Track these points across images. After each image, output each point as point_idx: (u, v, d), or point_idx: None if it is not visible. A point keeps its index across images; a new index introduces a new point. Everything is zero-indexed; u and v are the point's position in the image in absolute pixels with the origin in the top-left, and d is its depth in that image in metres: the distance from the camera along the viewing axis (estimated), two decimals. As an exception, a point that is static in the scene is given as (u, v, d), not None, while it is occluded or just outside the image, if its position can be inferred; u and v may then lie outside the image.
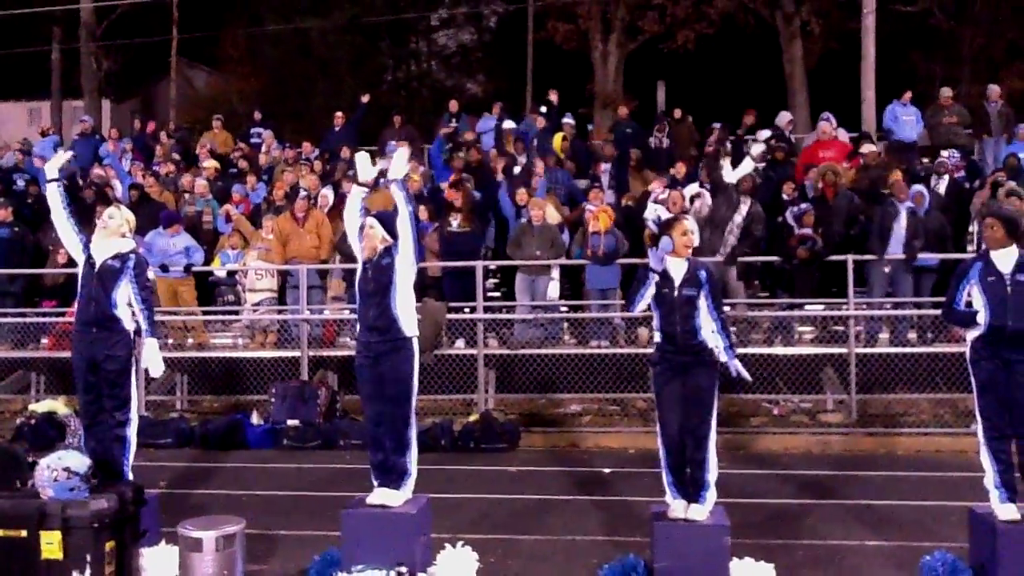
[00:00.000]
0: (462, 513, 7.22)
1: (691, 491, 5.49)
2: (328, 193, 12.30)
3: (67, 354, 10.86)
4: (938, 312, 6.82)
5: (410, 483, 5.84)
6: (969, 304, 5.63)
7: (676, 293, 5.57)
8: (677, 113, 15.72)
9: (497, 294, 11.74)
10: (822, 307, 10.69)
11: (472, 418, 10.12)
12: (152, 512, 5.99)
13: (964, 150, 14.33)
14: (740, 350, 10.30)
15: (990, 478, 5.47)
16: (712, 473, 5.51)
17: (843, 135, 14.90)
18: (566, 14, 26.37)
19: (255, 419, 10.02)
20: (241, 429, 9.92)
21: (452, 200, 10.99)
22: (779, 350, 10.31)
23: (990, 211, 5.74)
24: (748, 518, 6.99)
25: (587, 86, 27.02)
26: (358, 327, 5.91)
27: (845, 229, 10.67)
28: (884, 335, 10.42)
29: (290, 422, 9.96)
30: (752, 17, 25.54)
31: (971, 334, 5.60)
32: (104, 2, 25.74)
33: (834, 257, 10.19)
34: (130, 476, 6.07)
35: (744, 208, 10.03)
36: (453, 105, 16.09)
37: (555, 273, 10.78)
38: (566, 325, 11.09)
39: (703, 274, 5.60)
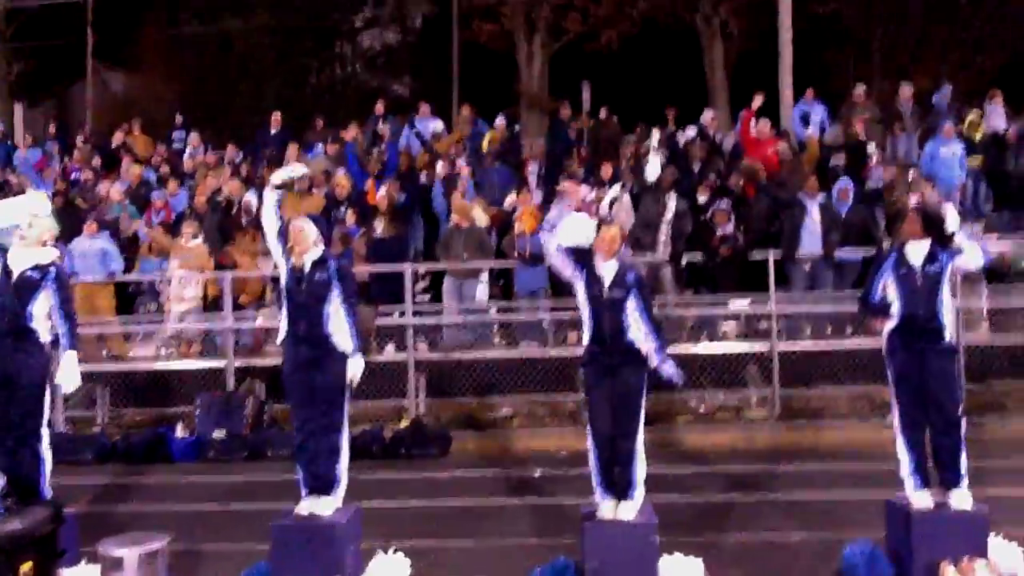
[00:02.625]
0: (394, 520, 7.17)
1: (620, 490, 5.54)
2: (252, 199, 12.09)
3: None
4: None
5: (340, 492, 5.79)
6: (885, 297, 5.81)
7: (605, 294, 5.62)
8: (602, 113, 15.82)
9: (427, 297, 11.68)
10: (748, 304, 10.88)
11: (403, 424, 10.07)
12: (71, 531, 5.83)
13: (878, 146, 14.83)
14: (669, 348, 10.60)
15: (905, 467, 5.64)
16: (640, 471, 5.58)
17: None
18: (491, 14, 26.39)
19: (179, 432, 9.80)
20: (165, 442, 9.70)
21: (377, 204, 10.90)
22: (703, 347, 10.47)
23: (914, 205, 5.94)
24: (677, 515, 7.04)
25: (513, 86, 27.08)
26: (283, 334, 5.83)
27: (766, 226, 10.88)
28: (807, 330, 10.67)
29: (216, 434, 9.77)
30: (672, 18, 25.92)
31: (887, 327, 5.77)
32: (15, 3, 24.91)
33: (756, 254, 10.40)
34: (47, 494, 5.88)
35: (671, 205, 10.16)
36: (379, 108, 15.94)
37: (484, 276, 10.78)
38: (496, 328, 11.10)
39: (632, 276, 5.66)
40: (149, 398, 10.96)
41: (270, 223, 5.82)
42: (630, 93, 27.42)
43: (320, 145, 14.25)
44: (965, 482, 5.54)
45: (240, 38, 24.74)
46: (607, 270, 5.65)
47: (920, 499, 5.57)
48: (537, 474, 8.79)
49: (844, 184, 10.85)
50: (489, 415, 10.80)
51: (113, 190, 12.75)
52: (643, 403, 5.61)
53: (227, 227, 11.79)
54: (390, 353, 10.61)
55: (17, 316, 5.77)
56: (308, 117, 18.12)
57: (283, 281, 5.83)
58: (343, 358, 5.72)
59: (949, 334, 5.67)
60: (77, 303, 10.95)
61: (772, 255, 10.29)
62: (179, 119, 16.63)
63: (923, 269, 5.65)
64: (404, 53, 32.26)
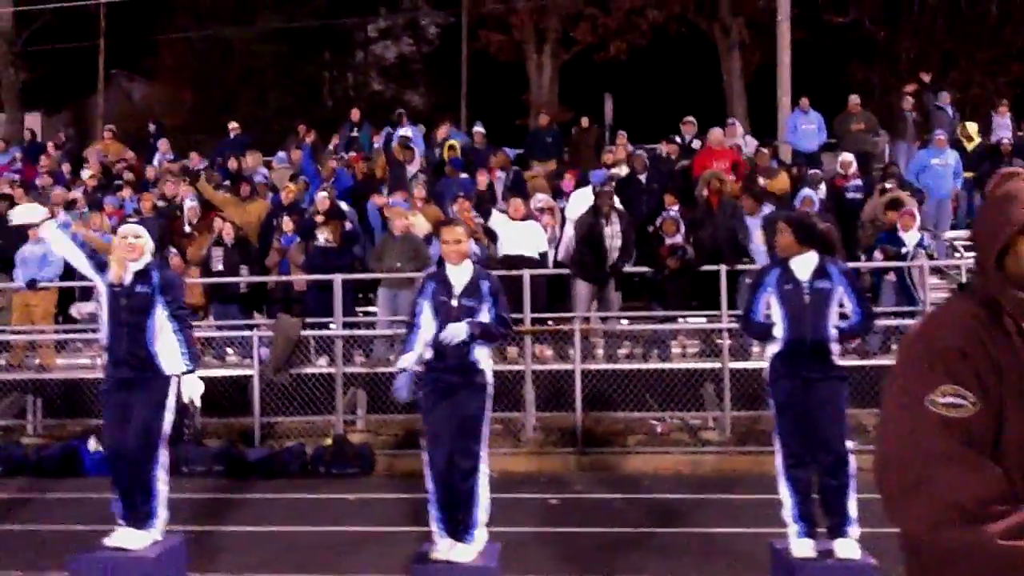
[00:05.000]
0: (268, 547, 6.66)
1: (458, 530, 4.94)
2: (194, 204, 11.72)
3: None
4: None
5: (158, 525, 5.28)
6: (769, 316, 5.14)
7: (455, 303, 5.04)
8: (584, 121, 15.26)
9: (372, 309, 11.16)
10: (704, 319, 10.22)
11: (327, 442, 9.55)
12: None
13: (871, 156, 14.11)
14: (617, 366, 9.98)
15: (787, 510, 4.97)
16: (482, 510, 4.97)
17: (750, 143, 14.59)
18: (500, 25, 26.06)
19: (92, 445, 9.36)
20: (78, 456, 9.27)
21: (323, 214, 10.44)
22: (654, 365, 9.82)
23: (779, 216, 5.26)
24: (572, 549, 6.50)
25: (523, 96, 26.70)
26: (105, 356, 5.34)
27: (728, 238, 10.19)
28: (757, 348, 9.94)
29: (131, 448, 9.30)
30: (685, 27, 25.37)
31: (769, 350, 5.10)
32: (27, 7, 24.96)
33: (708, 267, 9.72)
34: None
35: (616, 221, 9.55)
36: (355, 113, 15.57)
37: (421, 286, 10.22)
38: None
39: (487, 285, 5.08)
40: (78, 409, 10.56)
41: (67, 250, 5.33)
42: (648, 104, 26.98)
43: (283, 153, 13.88)
44: (854, 529, 4.85)
45: (241, 46, 24.52)
46: (458, 277, 5.08)
47: (801, 548, 4.91)
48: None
49: (807, 194, 10.12)
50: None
51: (71, 196, 12.44)
52: (484, 432, 5.00)
53: (168, 233, 11.38)
54: (323, 366, 10.07)
55: None
56: (323, 126, 17.66)
57: (105, 301, 5.33)
58: (167, 380, 5.22)
59: (837, 359, 4.98)
60: (17, 312, 10.84)
61: (724, 268, 9.60)
62: (152, 127, 16.35)
63: (812, 284, 4.97)
64: (418, 63, 32.05)
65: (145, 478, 5.20)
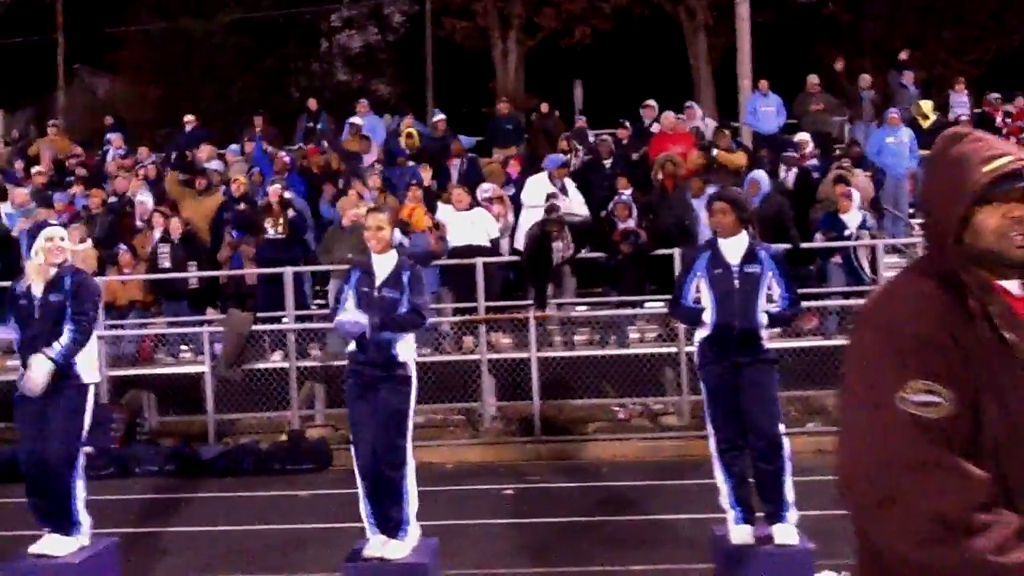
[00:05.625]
0: (212, 548, 6.55)
1: (388, 527, 4.85)
2: (145, 199, 11.53)
3: None
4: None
5: (84, 530, 5.15)
6: (699, 300, 5.05)
7: (376, 293, 4.93)
8: (544, 107, 15.14)
9: (325, 302, 11.03)
10: (661, 304, 10.15)
11: (282, 437, 9.43)
12: None
13: (829, 137, 14.10)
14: (574, 352, 9.90)
15: (724, 496, 4.91)
16: (411, 506, 4.87)
17: (710, 126, 14.54)
18: (464, 12, 25.85)
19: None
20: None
21: (270, 204, 10.28)
22: (611, 351, 9.76)
23: (719, 195, 5.17)
24: (523, 540, 6.44)
25: (489, 84, 26.52)
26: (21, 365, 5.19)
27: (679, 221, 10.12)
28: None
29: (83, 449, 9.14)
30: (648, 10, 25.27)
31: (698, 334, 5.02)
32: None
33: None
34: None
35: (566, 236, 9.46)
36: (312, 103, 15.38)
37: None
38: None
39: (407, 275, 4.97)
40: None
41: None
42: (614, 88, 26.91)
43: (236, 146, 13.68)
44: (791, 514, 4.79)
45: (202, 38, 24.19)
46: (380, 266, 4.97)
47: (739, 534, 4.85)
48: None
49: (754, 176, 10.06)
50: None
51: (18, 193, 12.20)
52: (408, 427, 4.89)
53: (118, 229, 11.21)
54: (277, 361, 9.94)
55: None
56: (289, 118, 17.40)
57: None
58: (84, 387, 5.08)
59: (766, 343, 4.90)
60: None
61: (678, 252, 9.52)
62: (108, 120, 16.10)
63: (741, 269, 4.89)
64: (384, 52, 31.76)
65: (64, 485, 5.06)
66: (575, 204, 10.51)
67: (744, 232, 4.92)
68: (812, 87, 14.36)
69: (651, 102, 14.71)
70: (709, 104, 23.31)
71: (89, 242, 10.86)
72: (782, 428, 4.82)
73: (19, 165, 14.68)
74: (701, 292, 4.99)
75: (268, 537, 6.84)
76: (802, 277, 9.93)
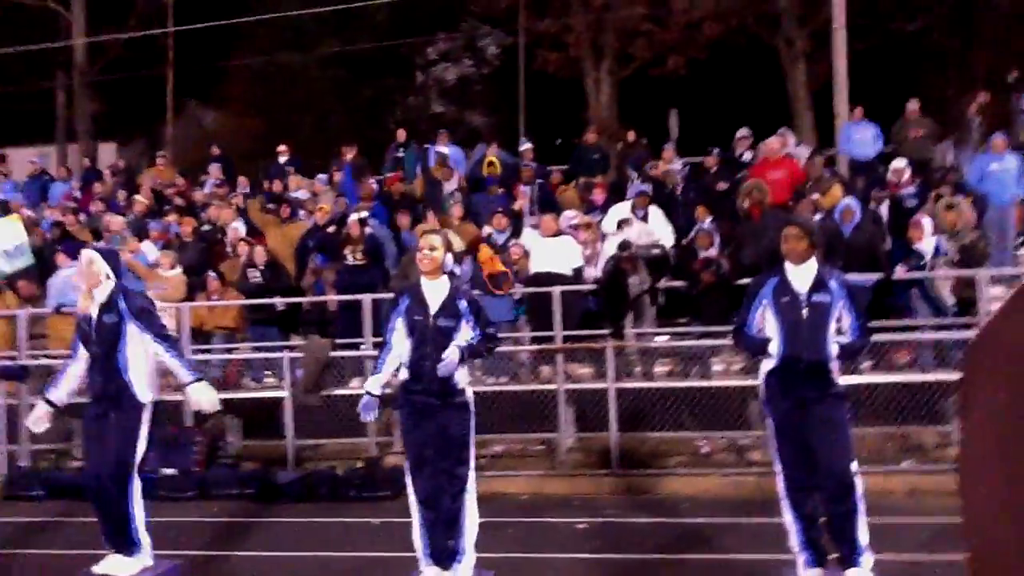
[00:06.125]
0: (272, 572, 6.54)
1: (444, 556, 4.74)
2: (239, 226, 11.81)
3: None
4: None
5: (144, 550, 5.19)
6: (764, 330, 4.80)
7: (430, 322, 4.85)
8: (630, 136, 15.01)
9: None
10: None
11: (359, 464, 9.45)
12: None
13: (930, 163, 13.54)
14: (653, 384, 9.65)
15: (792, 539, 4.63)
16: (469, 536, 4.76)
17: (803, 153, 14.14)
18: (557, 43, 25.98)
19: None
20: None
21: (351, 233, 10.40)
22: (692, 383, 9.46)
23: (791, 220, 4.93)
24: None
25: (581, 114, 26.50)
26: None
27: (770, 250, 9.78)
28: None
29: (166, 471, 9.36)
30: (745, 40, 24.92)
31: (764, 367, 4.76)
32: (98, 37, 25.72)
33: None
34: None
35: (642, 269, 9.26)
36: (400, 134, 15.61)
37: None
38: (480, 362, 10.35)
39: (463, 303, 4.88)
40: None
41: None
42: (709, 117, 26.59)
43: (324, 175, 13.96)
44: (865, 558, 4.49)
45: (300, 71, 24.92)
46: (431, 292, 4.88)
47: (810, 578, 4.55)
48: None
49: (847, 204, 9.66)
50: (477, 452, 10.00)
51: (114, 220, 12.67)
52: (469, 454, 4.77)
53: (209, 256, 11.51)
54: (355, 388, 9.97)
55: None
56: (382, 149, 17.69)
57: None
58: (140, 408, 5.15)
59: (838, 377, 4.62)
60: (54, 336, 11.05)
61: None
62: (215, 150, 16.66)
63: (809, 297, 4.63)
64: (478, 84, 32.17)
65: (121, 506, 5.12)
66: (658, 232, 10.32)
67: (813, 259, 4.67)
68: (911, 113, 13.85)
69: (744, 131, 14.40)
70: (807, 132, 22.81)
71: (179, 269, 11.18)
72: (854, 467, 4.53)
73: (122, 195, 15.28)
74: (767, 321, 4.74)
75: (332, 563, 6.81)
76: (892, 308, 9.52)
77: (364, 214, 10.72)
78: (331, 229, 11.00)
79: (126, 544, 5.15)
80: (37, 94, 27.56)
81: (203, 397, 5.25)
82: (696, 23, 24.21)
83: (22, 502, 9.34)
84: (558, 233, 10.04)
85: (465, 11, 29.97)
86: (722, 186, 12.29)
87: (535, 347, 9.82)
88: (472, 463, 4.78)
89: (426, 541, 4.78)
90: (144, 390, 5.23)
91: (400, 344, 4.85)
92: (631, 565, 6.53)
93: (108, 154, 32.29)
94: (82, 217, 13.72)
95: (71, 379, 5.31)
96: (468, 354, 4.69)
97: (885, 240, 9.61)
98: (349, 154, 13.53)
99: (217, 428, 10.20)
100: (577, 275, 10.12)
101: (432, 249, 4.89)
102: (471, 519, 4.75)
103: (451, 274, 5.07)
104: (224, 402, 10.36)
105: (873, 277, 9.38)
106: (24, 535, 8.00)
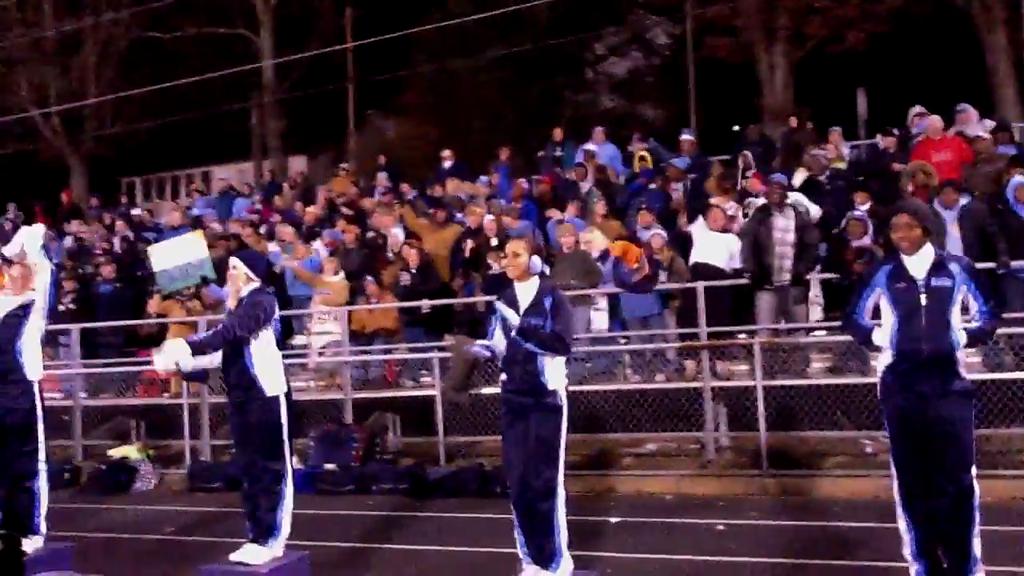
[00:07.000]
0: (407, 566, 6.75)
1: (542, 558, 4.75)
2: (399, 232, 12.26)
3: (158, 400, 11.74)
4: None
5: (280, 540, 5.53)
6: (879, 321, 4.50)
7: (520, 322, 4.90)
8: (793, 121, 14.42)
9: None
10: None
11: (505, 461, 9.59)
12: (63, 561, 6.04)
13: None
14: (802, 381, 9.24)
15: (906, 547, 4.33)
16: (561, 537, 4.74)
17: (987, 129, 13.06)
18: (727, 28, 25.27)
19: (294, 462, 9.98)
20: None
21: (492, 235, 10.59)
22: (852, 380, 8.98)
23: (900, 207, 4.59)
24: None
25: (755, 100, 25.66)
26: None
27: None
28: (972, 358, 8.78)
29: (327, 466, 9.89)
30: (931, 7, 23.30)
31: (881, 360, 4.46)
32: (286, 58, 27.23)
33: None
34: (42, 529, 6.13)
35: (790, 220, 8.87)
36: (557, 133, 15.70)
37: (601, 303, 10.05)
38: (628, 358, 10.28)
39: (549, 301, 4.89)
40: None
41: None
42: (900, 93, 25.12)
43: (485, 177, 14.24)
44: (979, 570, 4.13)
45: (468, 76, 25.51)
46: (523, 294, 4.92)
47: (926, 590, 4.24)
48: (613, 521, 7.92)
49: (1020, 181, 8.85)
50: (621, 452, 9.94)
51: (285, 230, 13.45)
52: (558, 456, 4.77)
53: (371, 261, 12.01)
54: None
55: (5, 354, 6.06)
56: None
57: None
58: (271, 400, 5.46)
59: (964, 370, 4.26)
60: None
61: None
62: (382, 159, 17.36)
63: (928, 283, 4.30)
64: (649, 76, 31.78)
65: (262, 496, 5.47)
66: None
67: (929, 245, 4.34)
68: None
69: (919, 108, 13.51)
70: (1011, 104, 21.08)
71: (342, 274, 11.75)
72: (974, 472, 4.17)
73: (299, 206, 16.19)
74: (883, 310, 4.45)
75: (466, 558, 6.95)
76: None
77: (489, 217, 10.87)
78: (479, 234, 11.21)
79: (264, 533, 5.49)
80: (234, 114, 29.62)
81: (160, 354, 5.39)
82: (875, -6, 22.89)
83: (202, 493, 10.10)
84: (725, 229, 9.75)
85: (632, 3, 29.74)
86: (898, 167, 11.56)
87: (680, 344, 9.63)
88: (560, 466, 4.77)
89: (523, 540, 4.83)
90: (269, 383, 5.52)
91: (499, 344, 4.93)
92: (758, 568, 6.30)
93: (300, 167, 34.34)
94: (262, 229, 14.59)
95: (213, 356, 5.58)
96: (529, 329, 4.69)
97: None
98: (504, 155, 13.73)
99: (377, 425, 10.65)
100: (735, 273, 9.81)
101: (516, 255, 4.95)
102: (562, 520, 4.75)
103: (541, 275, 5.09)
104: (384, 400, 10.96)
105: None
106: (196, 522, 8.67)
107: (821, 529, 7.36)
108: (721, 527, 7.55)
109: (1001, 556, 4.18)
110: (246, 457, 5.60)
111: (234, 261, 5.69)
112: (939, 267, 4.32)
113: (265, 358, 5.52)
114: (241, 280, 5.59)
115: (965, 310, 4.49)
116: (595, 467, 9.55)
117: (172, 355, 5.26)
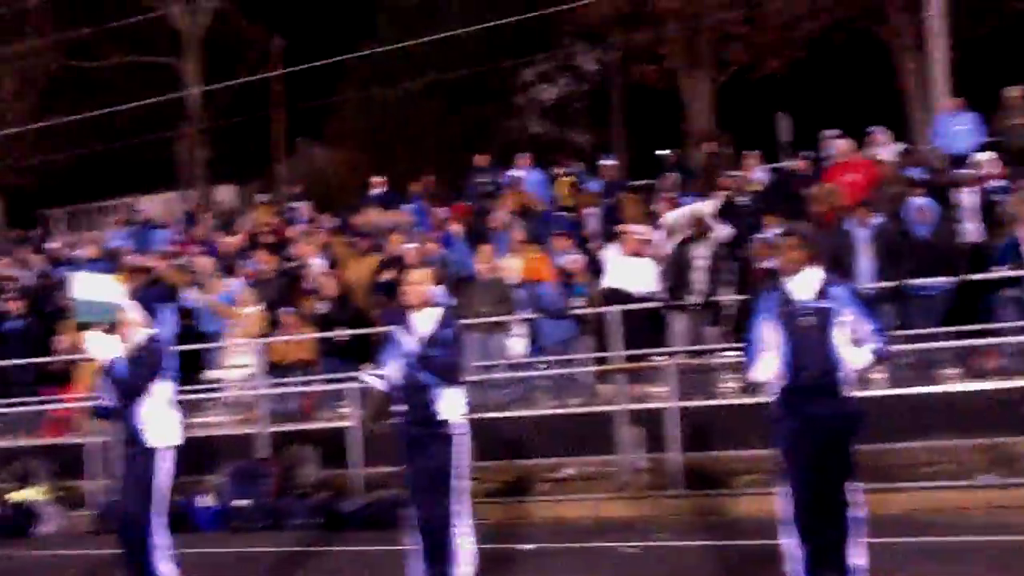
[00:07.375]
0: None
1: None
2: (318, 261, 12.12)
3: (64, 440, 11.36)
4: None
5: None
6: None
7: (418, 351, 4.82)
8: (709, 147, 14.67)
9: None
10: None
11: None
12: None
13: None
14: (714, 402, 9.30)
15: (791, 564, 4.34)
16: (463, 566, 4.66)
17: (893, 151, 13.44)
18: (653, 55, 25.64)
19: (207, 500, 9.75)
20: (186, 512, 9.61)
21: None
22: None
23: (787, 230, 4.66)
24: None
25: (680, 125, 26.07)
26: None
27: (838, 256, 9.33)
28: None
29: (238, 502, 9.65)
30: (846, 34, 24.02)
31: (773, 384, 4.50)
32: (212, 86, 26.81)
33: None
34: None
35: (699, 251, 8.99)
36: (480, 159, 15.73)
37: (518, 329, 10.03)
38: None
39: (448, 332, 4.84)
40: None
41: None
42: (818, 118, 25.70)
43: (408, 206, 14.20)
44: (856, 582, 4.16)
45: (395, 104, 25.48)
46: (421, 322, 4.86)
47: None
48: (529, 548, 7.85)
49: (920, 203, 9.10)
50: (532, 478, 9.88)
51: (206, 262, 13.20)
52: (452, 486, 4.71)
53: (290, 292, 11.84)
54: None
55: None
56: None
57: None
58: (151, 451, 5.30)
59: (848, 390, 4.31)
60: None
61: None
62: (297, 188, 17.18)
63: (810, 306, 4.36)
64: (578, 101, 32.09)
65: (137, 545, 5.30)
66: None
67: (813, 268, 4.40)
68: (1011, 100, 12.96)
69: (832, 131, 13.85)
70: (922, 127, 21.71)
71: (258, 306, 11.56)
72: (852, 486, 4.22)
73: (219, 236, 15.92)
74: (773, 335, 4.48)
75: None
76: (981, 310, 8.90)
77: (408, 245, 10.82)
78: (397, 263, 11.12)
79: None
80: (160, 144, 29.08)
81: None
82: (792, 24, 23.48)
83: (111, 535, 9.72)
84: (637, 253, 9.82)
85: (560, 30, 30.04)
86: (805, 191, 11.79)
87: (594, 368, 9.65)
88: (458, 495, 4.70)
89: (423, 568, 4.74)
90: (154, 435, 5.37)
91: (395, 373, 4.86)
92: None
93: (228, 196, 33.85)
94: (179, 261, 14.30)
95: None
96: (424, 364, 4.64)
97: (960, 238, 9.00)
98: (418, 186, 13.71)
99: (292, 458, 10.44)
100: (649, 297, 9.86)
101: (416, 283, 4.89)
102: (464, 550, 4.67)
103: (443, 304, 5.05)
104: (300, 433, 10.75)
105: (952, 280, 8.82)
106: (102, 565, 8.33)
107: (736, 548, 7.39)
108: (634, 550, 7.53)
109: (895, 569, 4.22)
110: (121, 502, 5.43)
111: (127, 305, 5.53)
112: (821, 291, 4.37)
113: (155, 409, 5.35)
114: (134, 326, 5.44)
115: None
116: (513, 494, 9.48)
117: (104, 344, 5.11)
